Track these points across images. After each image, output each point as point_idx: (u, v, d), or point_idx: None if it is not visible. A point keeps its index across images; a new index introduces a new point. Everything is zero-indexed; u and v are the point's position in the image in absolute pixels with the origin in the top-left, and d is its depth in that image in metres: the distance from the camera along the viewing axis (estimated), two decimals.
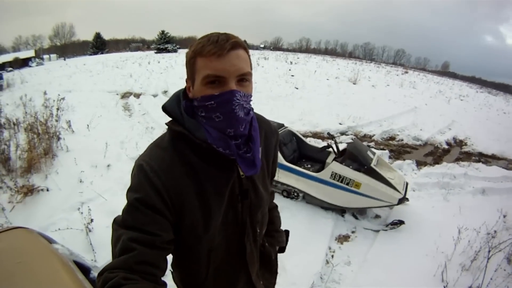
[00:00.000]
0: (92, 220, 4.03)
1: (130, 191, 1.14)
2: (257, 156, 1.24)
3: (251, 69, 1.20)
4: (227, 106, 1.11)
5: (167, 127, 1.25)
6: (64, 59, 48.33)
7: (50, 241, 2.17)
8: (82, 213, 4.11)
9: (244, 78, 1.15)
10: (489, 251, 3.77)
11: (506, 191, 6.79)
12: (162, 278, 1.12)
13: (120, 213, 1.14)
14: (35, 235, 2.20)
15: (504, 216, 4.75)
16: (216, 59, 1.08)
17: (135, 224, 1.07)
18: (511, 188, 6.93)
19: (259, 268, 1.59)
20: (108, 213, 4.38)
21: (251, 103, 1.22)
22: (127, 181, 4.12)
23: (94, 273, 2.05)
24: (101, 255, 3.68)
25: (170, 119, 1.25)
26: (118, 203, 4.60)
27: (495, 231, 4.32)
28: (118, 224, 1.11)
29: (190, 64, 1.16)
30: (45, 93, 7.26)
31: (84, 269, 1.99)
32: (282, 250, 1.87)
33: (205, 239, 1.25)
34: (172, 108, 1.24)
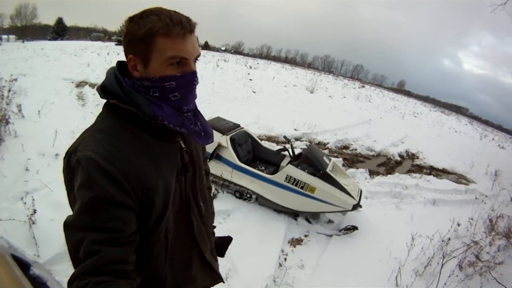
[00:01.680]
0: (35, 211, 3.71)
1: (81, 189, 1.01)
2: (207, 126, 1.31)
3: None
4: (188, 86, 1.15)
5: (108, 105, 1.17)
6: (23, 42, 46.59)
7: None
8: (25, 203, 3.83)
9: (197, 59, 1.18)
10: (443, 258, 3.83)
11: (456, 203, 7.06)
12: None
13: (71, 213, 1.04)
14: None
15: (458, 225, 4.83)
16: (182, 41, 1.08)
17: (94, 224, 0.98)
18: (461, 201, 7.20)
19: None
20: (53, 205, 4.14)
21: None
22: None
23: (35, 270, 1.88)
24: (44, 250, 3.42)
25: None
26: (64, 195, 4.39)
27: (448, 239, 4.41)
28: (74, 226, 1.00)
29: (145, 43, 1.07)
30: None
31: (24, 265, 1.82)
32: (221, 254, 1.81)
33: (164, 218, 1.20)
34: (113, 88, 1.14)
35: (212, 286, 1.59)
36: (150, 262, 1.25)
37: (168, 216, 1.22)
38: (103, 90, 1.15)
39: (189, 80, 1.13)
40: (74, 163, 1.05)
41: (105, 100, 1.17)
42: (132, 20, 1.10)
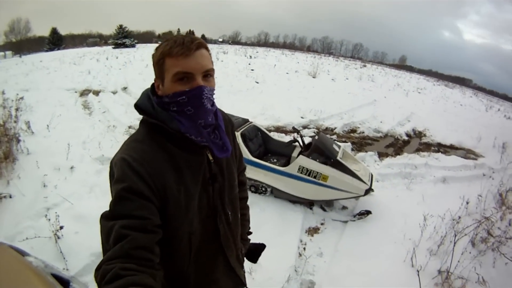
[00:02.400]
0: (61, 227, 3.82)
1: (115, 183, 1.18)
2: (225, 140, 1.42)
3: (213, 65, 1.35)
4: (197, 100, 1.27)
5: (141, 122, 1.37)
6: (20, 56, 46.31)
7: (23, 253, 2.02)
8: (49, 219, 3.85)
9: (208, 74, 1.31)
10: (455, 236, 3.91)
11: (466, 179, 7.08)
12: None
13: (105, 210, 1.17)
14: (5, 248, 2.02)
15: (467, 203, 4.90)
16: (184, 59, 1.23)
17: (125, 212, 1.11)
18: (470, 176, 7.23)
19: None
20: (75, 218, 4.24)
21: (214, 96, 1.37)
22: (92, 183, 4.02)
23: (74, 285, 1.97)
24: (72, 262, 3.51)
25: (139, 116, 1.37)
26: (85, 207, 4.49)
27: (459, 217, 4.50)
28: (107, 217, 1.14)
29: (159, 65, 1.28)
30: (3, 92, 6.92)
31: (63, 282, 1.90)
32: (254, 260, 1.95)
33: (186, 222, 1.32)
34: (144, 105, 1.34)
35: None
36: (175, 260, 1.36)
37: (190, 221, 1.34)
38: (138, 107, 1.35)
39: (197, 94, 1.25)
40: (113, 165, 1.24)
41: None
42: (155, 49, 1.31)
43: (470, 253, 4.04)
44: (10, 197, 4.69)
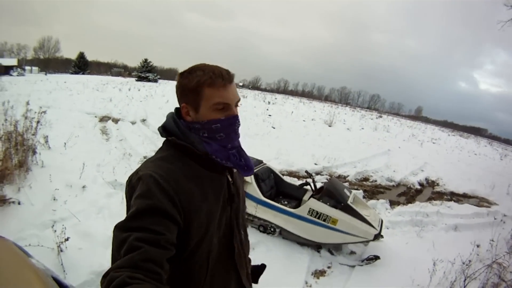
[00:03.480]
0: (67, 239, 3.86)
1: (139, 197, 1.20)
2: (248, 161, 1.51)
3: None
4: (231, 128, 1.40)
5: (167, 142, 1.43)
6: (46, 74, 47.56)
7: (27, 254, 2.02)
8: (55, 231, 3.90)
9: (238, 104, 1.44)
10: (465, 280, 3.87)
11: (478, 226, 7.02)
12: None
13: (122, 219, 1.19)
14: (9, 244, 2.04)
15: (478, 246, 4.86)
16: (224, 90, 1.35)
17: (142, 226, 1.13)
18: (482, 223, 7.16)
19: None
20: (81, 235, 4.29)
21: None
22: (102, 205, 4.19)
23: None
24: (71, 277, 3.54)
25: (161, 138, 1.44)
26: (92, 226, 4.58)
27: (469, 261, 4.43)
28: (122, 228, 1.15)
29: (195, 93, 1.35)
30: (27, 103, 7.06)
31: (63, 287, 1.87)
32: (255, 281, 1.94)
33: (206, 240, 1.36)
34: (171, 127, 1.41)
35: None
36: (192, 278, 1.37)
37: (210, 239, 1.37)
38: (164, 129, 1.43)
39: (232, 122, 1.38)
40: (135, 181, 1.27)
41: (164, 138, 1.44)
42: (182, 75, 1.40)
43: None
44: (19, 203, 4.76)
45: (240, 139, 1.49)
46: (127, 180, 1.34)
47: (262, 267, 1.98)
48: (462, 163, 16.02)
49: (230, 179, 1.51)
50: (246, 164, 1.49)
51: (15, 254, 1.93)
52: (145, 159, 7.86)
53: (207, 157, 1.38)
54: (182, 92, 1.40)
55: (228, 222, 1.50)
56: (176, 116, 1.45)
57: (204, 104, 1.35)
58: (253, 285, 1.88)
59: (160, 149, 1.45)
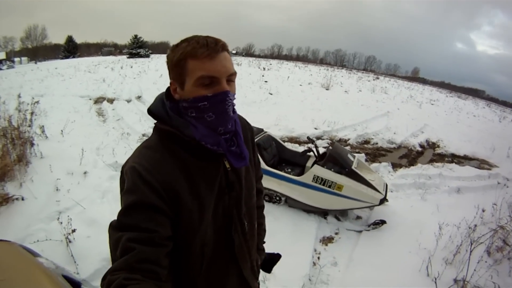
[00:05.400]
0: (74, 230, 3.86)
1: (125, 193, 1.15)
2: (243, 148, 1.33)
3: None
4: (220, 106, 1.20)
5: (154, 128, 1.31)
6: (36, 63, 47.10)
7: (34, 254, 2.03)
8: (61, 223, 3.89)
9: (231, 78, 1.23)
10: (471, 244, 3.89)
11: (480, 189, 7.06)
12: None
13: (115, 218, 1.15)
14: (17, 248, 2.04)
15: (483, 211, 4.88)
16: (209, 61, 1.15)
17: (132, 223, 1.08)
18: (484, 186, 7.20)
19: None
20: (87, 223, 4.28)
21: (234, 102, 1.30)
22: (105, 188, 4.09)
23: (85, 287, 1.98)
24: (83, 267, 3.51)
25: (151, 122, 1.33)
26: (98, 212, 4.54)
27: (475, 226, 4.45)
28: (115, 227, 1.11)
29: (179, 67, 1.19)
30: (19, 96, 6.95)
31: (74, 284, 1.91)
32: (268, 270, 1.90)
33: (199, 233, 1.27)
34: (157, 110, 1.28)
35: None
36: (185, 272, 1.32)
37: (204, 232, 1.28)
38: (150, 112, 1.29)
39: (221, 99, 1.18)
40: (124, 173, 1.22)
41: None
42: (171, 49, 1.23)
43: (486, 262, 4.02)
44: (22, 199, 4.72)
45: (237, 111, 1.36)
46: (120, 172, 1.28)
47: (277, 256, 1.91)
48: (462, 125, 16.04)
49: (227, 166, 1.37)
50: (241, 152, 1.32)
51: (22, 257, 1.94)
52: (143, 137, 7.73)
53: (196, 143, 1.24)
54: (169, 68, 1.25)
55: (226, 212, 1.38)
56: (166, 96, 1.32)
57: (188, 79, 1.18)
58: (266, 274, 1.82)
59: (150, 135, 1.35)
